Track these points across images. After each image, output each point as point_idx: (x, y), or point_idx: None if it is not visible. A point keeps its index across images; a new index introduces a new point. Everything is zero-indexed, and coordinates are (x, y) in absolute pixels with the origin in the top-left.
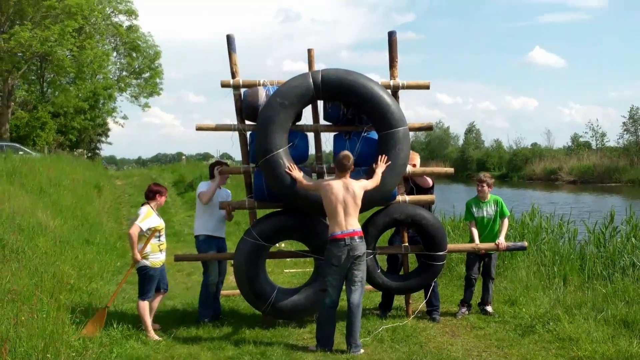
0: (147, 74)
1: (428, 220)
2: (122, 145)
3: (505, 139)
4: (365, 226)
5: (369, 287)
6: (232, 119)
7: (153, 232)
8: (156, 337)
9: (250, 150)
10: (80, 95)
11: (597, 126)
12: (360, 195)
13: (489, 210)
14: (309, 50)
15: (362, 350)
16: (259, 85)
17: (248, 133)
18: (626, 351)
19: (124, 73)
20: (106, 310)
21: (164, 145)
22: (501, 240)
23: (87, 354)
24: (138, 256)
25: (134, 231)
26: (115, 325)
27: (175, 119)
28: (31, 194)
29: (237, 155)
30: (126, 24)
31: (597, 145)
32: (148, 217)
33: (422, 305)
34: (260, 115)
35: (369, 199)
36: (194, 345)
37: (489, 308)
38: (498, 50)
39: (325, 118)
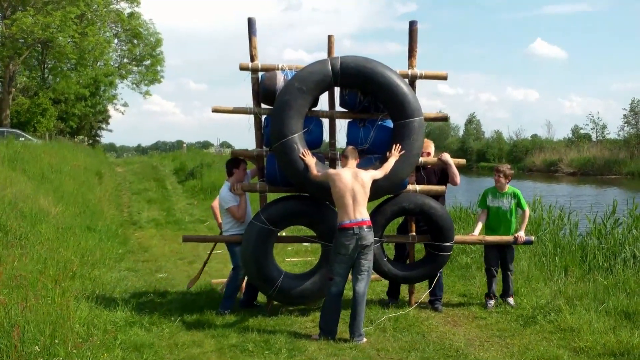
0: (148, 62)
1: (437, 211)
2: (122, 133)
3: (506, 130)
4: (373, 214)
5: (375, 275)
6: (238, 107)
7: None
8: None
9: (265, 134)
10: (81, 82)
11: (598, 118)
12: (369, 184)
13: (504, 202)
14: (329, 37)
15: (364, 339)
16: (278, 69)
17: (263, 117)
18: (627, 342)
19: (125, 60)
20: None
21: (164, 133)
22: (521, 234)
23: (92, 340)
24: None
25: (214, 204)
26: (119, 312)
27: (176, 107)
28: (33, 180)
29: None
30: (128, 10)
31: (597, 137)
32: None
33: (425, 295)
34: (277, 99)
35: (380, 188)
36: (197, 333)
37: (511, 300)
38: (500, 41)
39: (341, 105)
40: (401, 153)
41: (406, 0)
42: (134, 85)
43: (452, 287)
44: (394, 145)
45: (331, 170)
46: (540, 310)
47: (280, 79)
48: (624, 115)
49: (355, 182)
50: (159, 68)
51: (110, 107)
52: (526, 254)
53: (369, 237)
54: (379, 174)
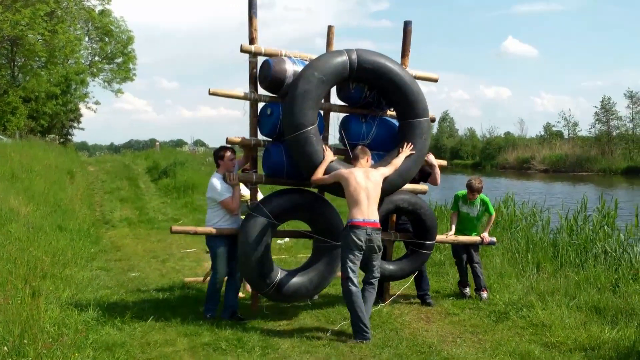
0: (120, 59)
1: (426, 210)
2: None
3: (479, 127)
4: None
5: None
6: (209, 106)
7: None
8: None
9: (268, 122)
10: (51, 80)
11: (570, 116)
12: (380, 183)
13: (474, 209)
14: (330, 27)
15: (369, 341)
16: (282, 55)
17: (260, 104)
18: (598, 337)
19: (97, 58)
20: None
21: (137, 132)
22: (485, 235)
23: (63, 340)
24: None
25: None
26: (90, 312)
27: (148, 105)
28: (3, 180)
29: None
30: (99, 8)
31: (569, 134)
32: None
33: (400, 291)
34: (294, 88)
35: (392, 184)
36: (170, 332)
37: (484, 294)
38: (472, 39)
39: (343, 98)
40: (412, 152)
41: None
42: (106, 84)
43: (428, 287)
44: (405, 143)
45: (344, 170)
46: (512, 306)
47: (290, 67)
48: (595, 112)
49: (367, 181)
50: (130, 66)
51: (81, 106)
52: (499, 250)
53: (379, 239)
54: (388, 170)
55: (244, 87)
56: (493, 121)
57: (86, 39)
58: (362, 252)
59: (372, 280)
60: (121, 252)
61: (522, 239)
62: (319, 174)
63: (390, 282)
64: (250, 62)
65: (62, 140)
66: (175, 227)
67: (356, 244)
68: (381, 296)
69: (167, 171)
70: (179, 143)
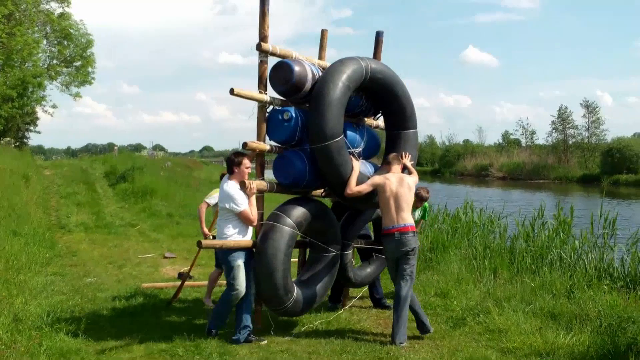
0: (79, 63)
1: None
2: (52, 135)
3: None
4: (347, 223)
5: None
6: (170, 111)
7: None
8: (210, 305)
9: (285, 128)
10: (8, 82)
11: (527, 124)
12: (413, 189)
13: (414, 214)
14: (323, 32)
15: (406, 343)
16: (295, 57)
17: (270, 107)
18: (553, 342)
19: (55, 61)
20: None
21: (95, 136)
22: None
23: (16, 347)
24: (205, 230)
25: (201, 207)
26: (44, 318)
27: (107, 109)
28: None
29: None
30: (58, 11)
31: (526, 142)
32: (215, 193)
33: (359, 295)
34: (325, 94)
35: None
36: (126, 338)
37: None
38: (433, 47)
39: None
40: (412, 161)
41: (341, 6)
42: (64, 87)
43: (385, 290)
44: (405, 153)
45: (379, 177)
46: (469, 311)
47: (309, 71)
48: (552, 121)
49: (400, 187)
50: (90, 69)
51: (38, 109)
52: (457, 256)
53: (411, 242)
54: (417, 178)
55: (206, 92)
56: (453, 129)
57: (44, 41)
58: (395, 259)
59: (401, 281)
60: (77, 258)
61: (480, 245)
62: (353, 184)
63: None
64: (261, 62)
65: (17, 143)
66: (205, 242)
67: (389, 252)
68: (340, 301)
69: (125, 176)
70: (138, 148)
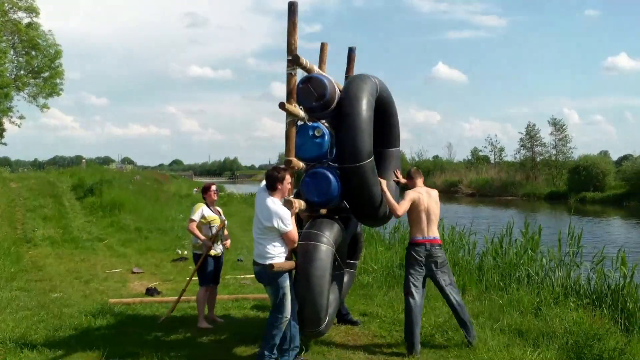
0: (47, 74)
1: (362, 234)
2: (18, 147)
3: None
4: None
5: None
6: (139, 123)
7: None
8: (205, 325)
9: (316, 145)
10: None
11: (496, 141)
12: (439, 202)
13: None
14: (323, 45)
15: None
16: (317, 72)
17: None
18: (520, 359)
19: (22, 72)
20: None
21: (63, 148)
22: None
23: None
24: (208, 242)
25: (191, 226)
26: (9, 334)
27: (75, 121)
28: None
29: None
30: (26, 21)
31: (495, 159)
32: (198, 210)
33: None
34: (359, 112)
35: (385, 212)
36: (92, 354)
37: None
38: (403, 64)
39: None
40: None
41: (311, 21)
42: (31, 98)
43: (352, 306)
44: (396, 170)
45: (413, 193)
46: (438, 328)
47: (336, 88)
48: (520, 138)
49: (430, 200)
50: (58, 81)
51: (5, 120)
52: None
53: (440, 254)
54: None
55: (176, 105)
56: (422, 145)
57: (12, 52)
58: (423, 268)
59: (447, 292)
60: (43, 272)
61: (449, 262)
62: (398, 204)
63: None
64: (290, 75)
65: None
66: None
67: (416, 260)
68: None
69: (93, 189)
70: (107, 160)
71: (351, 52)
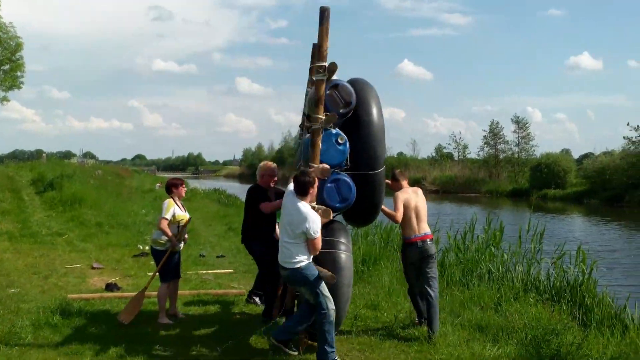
0: (7, 66)
1: None
2: None
3: None
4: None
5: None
6: (102, 117)
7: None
8: (166, 321)
9: (339, 152)
10: None
11: (460, 138)
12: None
13: None
14: (320, 47)
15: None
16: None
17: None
18: (480, 354)
19: None
20: (144, 294)
21: (23, 141)
22: None
23: None
24: (175, 241)
25: (163, 224)
26: None
27: (36, 114)
28: None
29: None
30: None
31: (459, 156)
32: (170, 208)
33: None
34: (378, 120)
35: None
36: (49, 351)
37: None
38: (369, 60)
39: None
40: None
41: (277, 17)
42: None
43: None
44: None
45: (401, 194)
46: (399, 323)
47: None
48: (484, 136)
49: (417, 199)
50: (18, 73)
51: None
52: (388, 269)
53: (432, 248)
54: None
55: (139, 99)
56: (387, 141)
57: None
58: (417, 265)
59: (429, 283)
60: (0, 267)
61: None
62: (391, 212)
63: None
64: (320, 81)
65: None
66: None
67: (411, 258)
68: (272, 317)
69: (53, 183)
70: (68, 155)
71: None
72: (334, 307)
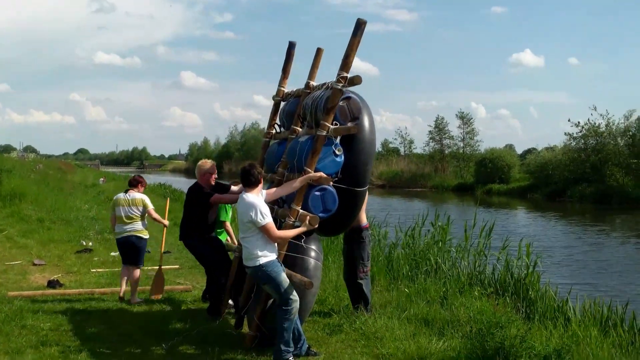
0: None
1: None
2: None
3: None
4: None
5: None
6: (42, 110)
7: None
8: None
9: (336, 163)
10: None
11: (406, 133)
12: None
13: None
14: (319, 50)
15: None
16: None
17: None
18: (425, 348)
19: None
20: (161, 269)
21: None
22: None
23: None
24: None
25: (156, 214)
26: None
27: None
28: None
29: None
30: None
31: (405, 151)
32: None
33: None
34: (371, 137)
35: None
36: None
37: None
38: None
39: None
40: None
41: (222, 10)
42: None
43: None
44: None
45: None
46: (346, 318)
47: None
48: (430, 131)
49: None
50: None
51: None
52: (335, 264)
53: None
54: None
55: (81, 92)
56: None
57: None
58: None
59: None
60: None
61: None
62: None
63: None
64: (339, 92)
65: None
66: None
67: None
68: (220, 314)
69: None
70: (7, 149)
71: (290, 47)
72: (297, 306)
